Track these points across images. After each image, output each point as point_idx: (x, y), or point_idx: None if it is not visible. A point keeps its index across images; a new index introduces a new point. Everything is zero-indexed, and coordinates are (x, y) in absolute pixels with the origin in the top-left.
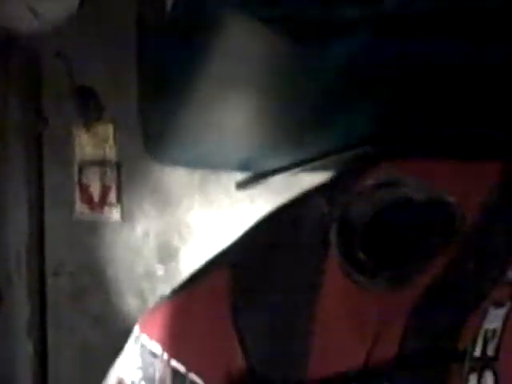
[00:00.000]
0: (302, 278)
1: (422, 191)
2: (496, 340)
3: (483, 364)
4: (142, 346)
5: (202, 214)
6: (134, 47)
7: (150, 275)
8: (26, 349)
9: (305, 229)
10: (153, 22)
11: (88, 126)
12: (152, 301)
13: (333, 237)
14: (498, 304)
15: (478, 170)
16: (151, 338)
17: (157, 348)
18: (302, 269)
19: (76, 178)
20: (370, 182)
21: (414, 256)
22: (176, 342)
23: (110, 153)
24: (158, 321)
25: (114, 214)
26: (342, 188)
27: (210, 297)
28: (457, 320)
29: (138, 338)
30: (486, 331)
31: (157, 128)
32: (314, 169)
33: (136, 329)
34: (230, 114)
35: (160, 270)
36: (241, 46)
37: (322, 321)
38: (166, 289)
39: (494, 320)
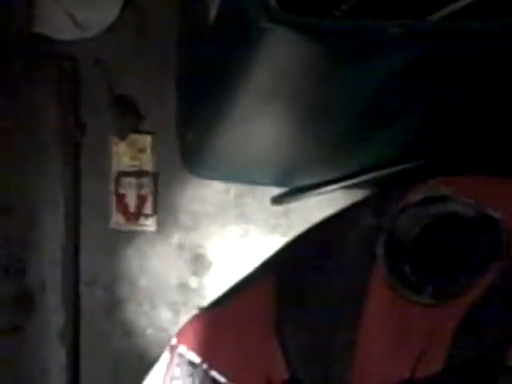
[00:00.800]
0: (346, 290)
1: (469, 207)
2: None
3: None
4: (180, 356)
5: (236, 228)
6: (173, 58)
7: (183, 287)
8: (58, 357)
9: (351, 240)
10: (194, 33)
11: (125, 136)
12: (184, 313)
13: (379, 250)
14: None
15: None
16: (189, 348)
17: (196, 358)
18: (347, 281)
19: (112, 188)
20: (417, 196)
21: (460, 272)
22: (216, 352)
23: (147, 163)
24: (197, 331)
25: (150, 224)
26: (389, 200)
27: (253, 308)
28: (504, 337)
29: (174, 348)
30: None
31: (194, 140)
32: (350, 186)
33: (173, 340)
34: (267, 129)
35: (193, 283)
36: (281, 59)
37: (365, 334)
38: (198, 301)
39: None
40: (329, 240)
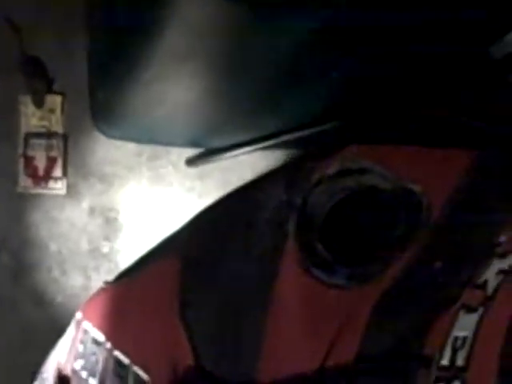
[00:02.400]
0: (255, 271)
1: (387, 180)
2: (466, 349)
3: (452, 374)
4: (85, 332)
5: (150, 191)
6: (84, 17)
7: (94, 252)
8: None
9: (260, 217)
10: None
11: (35, 97)
12: (96, 279)
13: (291, 228)
14: (469, 309)
15: (446, 158)
16: (94, 325)
17: (100, 336)
18: (256, 261)
19: (21, 150)
20: (331, 169)
21: (377, 250)
22: (120, 331)
23: (57, 124)
24: (102, 307)
25: (59, 188)
26: (301, 174)
27: (158, 287)
28: (422, 323)
29: (80, 323)
30: (456, 339)
31: (106, 101)
32: (268, 147)
33: (78, 314)
34: (181, 89)
35: (105, 248)
36: (194, 19)
37: (275, 318)
38: (110, 267)
39: (464, 327)
40: (236, 216)
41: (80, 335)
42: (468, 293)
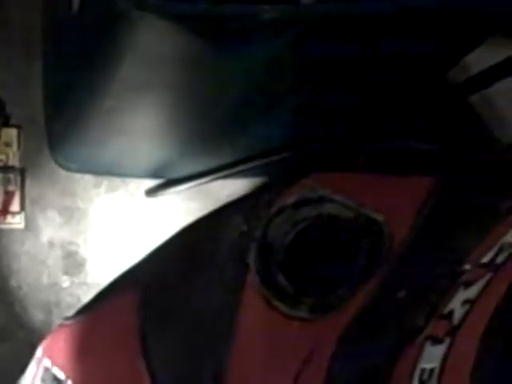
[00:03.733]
0: (217, 303)
1: (348, 209)
2: (434, 381)
3: None
4: (46, 369)
5: (109, 223)
6: (38, 48)
7: (55, 287)
8: None
9: (221, 249)
10: (57, 23)
11: None
12: (57, 314)
13: (251, 259)
14: (436, 340)
15: (405, 185)
16: (54, 363)
17: (60, 374)
18: (217, 294)
19: None
20: (291, 198)
21: (339, 280)
22: (81, 368)
23: (14, 158)
24: (62, 344)
25: (18, 222)
26: (261, 204)
27: (117, 322)
28: (388, 354)
29: (40, 360)
30: (423, 371)
31: (62, 133)
32: (228, 176)
33: (39, 351)
34: (140, 119)
35: (66, 282)
36: (151, 47)
37: (239, 352)
38: (71, 301)
39: (430, 358)
40: (197, 248)
41: (41, 373)
42: (434, 323)
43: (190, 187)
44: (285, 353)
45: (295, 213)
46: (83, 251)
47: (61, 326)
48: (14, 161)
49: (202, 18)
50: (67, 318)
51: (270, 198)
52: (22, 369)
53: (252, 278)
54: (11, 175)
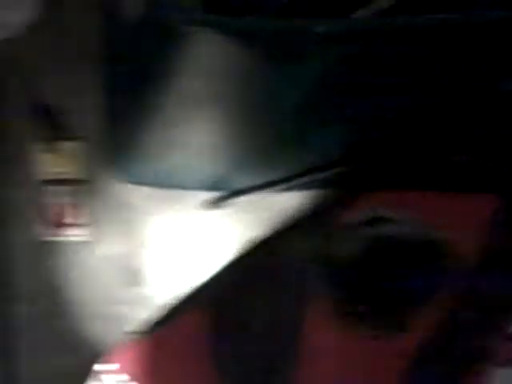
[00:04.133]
0: (286, 321)
1: (413, 229)
2: None
3: None
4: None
5: (167, 236)
6: (98, 60)
7: (113, 299)
8: None
9: (288, 266)
10: (117, 35)
11: (50, 143)
12: (116, 327)
13: (315, 277)
14: (506, 363)
15: (470, 202)
16: (118, 378)
17: None
18: (285, 311)
19: (37, 198)
20: (354, 218)
21: (404, 299)
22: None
23: (74, 171)
24: (127, 360)
25: (76, 234)
26: (325, 223)
27: (187, 337)
28: (457, 376)
29: (100, 375)
30: None
31: (121, 145)
32: (285, 189)
33: (99, 366)
34: (196, 131)
35: (124, 295)
36: (207, 61)
37: (305, 370)
38: (130, 314)
39: (502, 382)
40: (262, 266)
41: None
42: (504, 345)
43: (248, 200)
44: (351, 370)
45: (359, 232)
46: (142, 264)
47: (125, 341)
48: (75, 174)
49: (256, 32)
50: (132, 333)
51: (333, 217)
52: (81, 381)
53: (317, 296)
54: (72, 188)
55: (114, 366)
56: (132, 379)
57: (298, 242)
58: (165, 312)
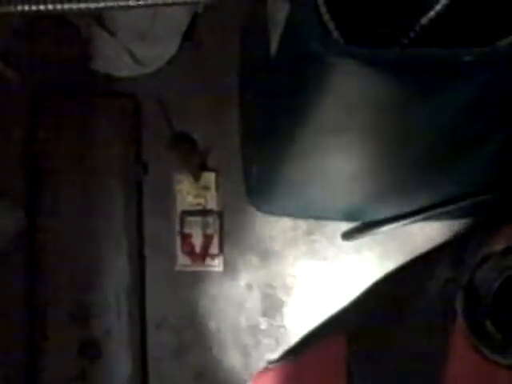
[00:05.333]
0: (424, 349)
1: None
2: None
3: None
4: None
5: (307, 266)
6: (236, 93)
7: (253, 329)
8: None
9: (427, 295)
10: (256, 67)
11: (189, 174)
12: (256, 356)
13: (459, 306)
14: None
15: None
16: None
17: None
18: (424, 339)
19: (177, 228)
20: (499, 245)
21: None
22: None
23: (212, 201)
24: None
25: (217, 265)
26: (467, 252)
27: (324, 368)
28: None
29: None
30: None
31: (259, 177)
32: (426, 219)
33: None
34: (334, 161)
35: (264, 324)
36: (348, 93)
37: None
38: (270, 343)
39: None
40: (402, 295)
41: None
42: None
43: (387, 230)
44: None
45: (503, 259)
46: (281, 294)
47: (264, 369)
48: (212, 204)
49: (399, 64)
50: (270, 362)
51: (475, 245)
52: None
53: (459, 326)
54: (210, 219)
55: None
56: None
57: (440, 272)
58: (303, 339)
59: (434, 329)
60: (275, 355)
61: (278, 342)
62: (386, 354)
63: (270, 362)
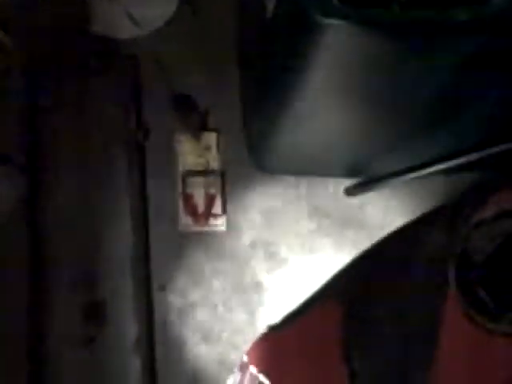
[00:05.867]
0: (418, 316)
1: None
2: None
3: None
4: (251, 375)
5: (309, 222)
6: (235, 53)
7: (257, 286)
8: (134, 367)
9: (422, 260)
10: (253, 29)
11: (190, 135)
12: (260, 314)
13: (451, 274)
14: None
15: None
16: (259, 370)
17: (266, 381)
18: (418, 306)
19: (180, 189)
20: (490, 211)
21: None
22: (285, 375)
23: (214, 161)
24: (266, 352)
25: (220, 224)
26: (461, 219)
27: (320, 333)
28: None
29: (245, 367)
30: None
31: (260, 136)
32: (425, 175)
33: (244, 358)
34: (333, 119)
35: (268, 282)
36: (344, 54)
37: (440, 365)
38: (274, 300)
39: None
40: (397, 262)
41: (247, 378)
42: None
43: (389, 186)
44: (488, 368)
45: (494, 226)
46: (284, 252)
47: (265, 334)
48: (213, 164)
49: (393, 23)
50: (271, 327)
51: (468, 212)
52: (227, 370)
53: (453, 293)
54: (212, 179)
55: (246, 359)
56: (261, 372)
57: (434, 239)
58: (300, 305)
59: (426, 297)
60: (280, 312)
61: (282, 299)
62: (382, 317)
63: (270, 328)
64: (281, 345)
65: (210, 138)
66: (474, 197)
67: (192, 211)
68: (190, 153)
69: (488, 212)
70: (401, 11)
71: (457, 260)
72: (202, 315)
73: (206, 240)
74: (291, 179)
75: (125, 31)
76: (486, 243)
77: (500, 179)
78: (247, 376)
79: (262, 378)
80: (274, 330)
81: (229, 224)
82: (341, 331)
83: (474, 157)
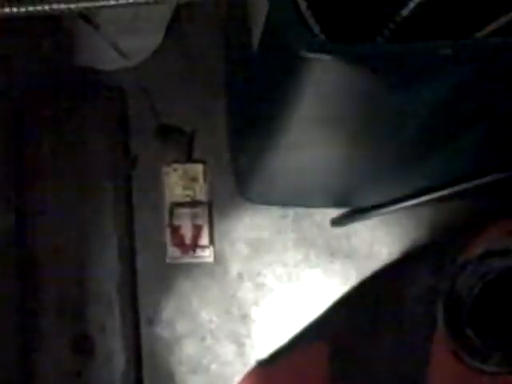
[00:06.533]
0: (406, 356)
1: None
2: None
3: None
4: None
5: (296, 253)
6: (222, 84)
7: (245, 318)
8: None
9: (408, 303)
10: (239, 60)
11: (177, 165)
12: (249, 345)
13: (439, 314)
14: None
15: None
16: None
17: None
18: (406, 346)
19: (167, 220)
20: (477, 250)
21: None
22: None
23: (200, 193)
24: None
25: (207, 256)
26: (447, 259)
27: (307, 371)
28: None
29: None
30: None
31: (247, 167)
32: (412, 206)
33: None
34: (319, 152)
35: (256, 313)
36: (327, 87)
37: None
38: (263, 332)
39: None
40: (383, 301)
41: None
42: None
43: (376, 216)
44: None
45: (481, 265)
46: (272, 282)
47: (254, 369)
48: (200, 195)
49: (381, 57)
50: (260, 362)
51: (454, 252)
52: None
53: (440, 333)
54: (199, 210)
55: None
56: None
57: (420, 279)
58: (289, 342)
59: (413, 337)
60: (268, 343)
61: (271, 332)
62: (368, 359)
63: (258, 363)
64: (269, 381)
65: (197, 169)
66: (460, 235)
67: (179, 243)
68: (176, 184)
69: (475, 251)
70: (386, 44)
71: (444, 301)
72: (189, 347)
73: (194, 271)
74: (278, 210)
75: (111, 63)
76: (473, 283)
77: (486, 216)
78: None
79: None
80: (262, 365)
81: (216, 255)
82: (327, 371)
83: (461, 187)
